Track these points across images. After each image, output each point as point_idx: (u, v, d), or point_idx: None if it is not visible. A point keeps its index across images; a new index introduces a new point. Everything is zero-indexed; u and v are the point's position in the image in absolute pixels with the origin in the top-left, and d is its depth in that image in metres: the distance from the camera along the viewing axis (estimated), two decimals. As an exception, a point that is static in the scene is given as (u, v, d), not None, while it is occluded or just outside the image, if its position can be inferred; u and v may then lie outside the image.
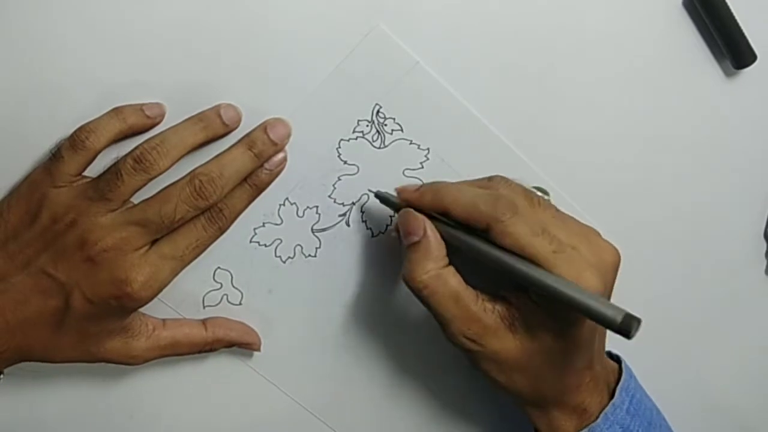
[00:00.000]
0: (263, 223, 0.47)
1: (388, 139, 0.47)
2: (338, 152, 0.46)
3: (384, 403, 0.51)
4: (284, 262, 0.48)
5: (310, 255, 0.48)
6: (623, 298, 0.50)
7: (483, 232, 0.40)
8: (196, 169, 0.43)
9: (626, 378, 0.45)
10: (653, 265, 0.51)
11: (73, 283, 0.41)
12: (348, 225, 0.47)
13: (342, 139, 0.46)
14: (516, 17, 0.46)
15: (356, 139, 0.46)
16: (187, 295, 0.47)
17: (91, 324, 0.42)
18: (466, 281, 0.42)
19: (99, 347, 0.44)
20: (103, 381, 0.48)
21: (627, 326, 0.35)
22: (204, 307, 0.47)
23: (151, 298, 0.42)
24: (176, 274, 0.43)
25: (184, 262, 0.43)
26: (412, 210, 0.43)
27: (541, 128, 0.48)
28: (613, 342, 0.48)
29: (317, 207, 0.47)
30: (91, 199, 0.41)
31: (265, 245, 0.47)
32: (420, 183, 0.46)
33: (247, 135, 0.44)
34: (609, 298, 0.42)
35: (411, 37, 0.45)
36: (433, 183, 0.44)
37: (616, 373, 0.46)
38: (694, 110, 0.49)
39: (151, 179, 0.42)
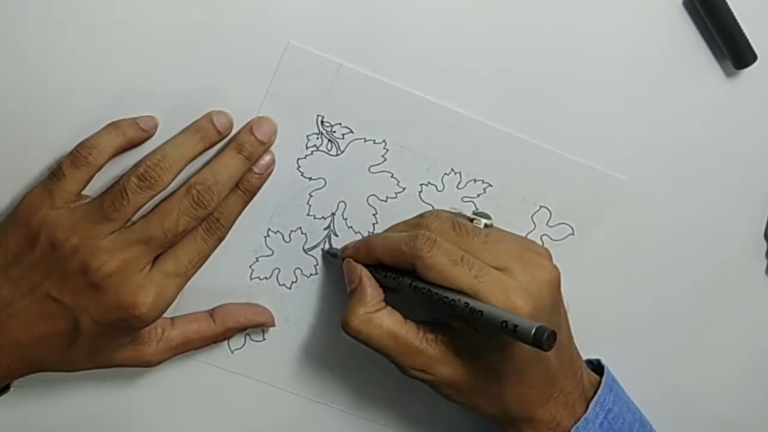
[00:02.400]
0: (256, 258, 0.47)
1: (342, 144, 0.46)
2: (300, 171, 0.46)
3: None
4: (290, 288, 0.48)
5: (312, 274, 0.48)
6: (624, 298, 0.51)
7: (412, 270, 0.42)
8: (190, 179, 0.43)
9: (604, 392, 0.45)
10: (653, 265, 0.51)
11: (79, 307, 0.41)
12: (336, 235, 0.48)
13: (299, 158, 0.46)
14: (516, 17, 0.46)
15: (312, 153, 0.46)
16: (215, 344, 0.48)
17: (101, 341, 0.43)
18: (411, 316, 0.43)
19: (111, 358, 0.44)
20: (103, 381, 0.48)
21: (539, 339, 0.36)
22: (232, 351, 0.49)
23: (159, 317, 0.42)
24: (181, 290, 0.43)
25: (188, 277, 0.43)
26: (350, 260, 0.45)
27: (540, 128, 0.47)
28: (612, 343, 0.48)
29: (300, 228, 0.47)
30: (92, 221, 0.41)
31: (266, 278, 0.48)
32: (359, 239, 0.47)
33: (234, 139, 0.44)
34: (551, 317, 0.42)
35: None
36: (366, 237, 0.47)
37: (595, 386, 0.46)
38: (695, 110, 0.49)
39: (155, 195, 0.42)
